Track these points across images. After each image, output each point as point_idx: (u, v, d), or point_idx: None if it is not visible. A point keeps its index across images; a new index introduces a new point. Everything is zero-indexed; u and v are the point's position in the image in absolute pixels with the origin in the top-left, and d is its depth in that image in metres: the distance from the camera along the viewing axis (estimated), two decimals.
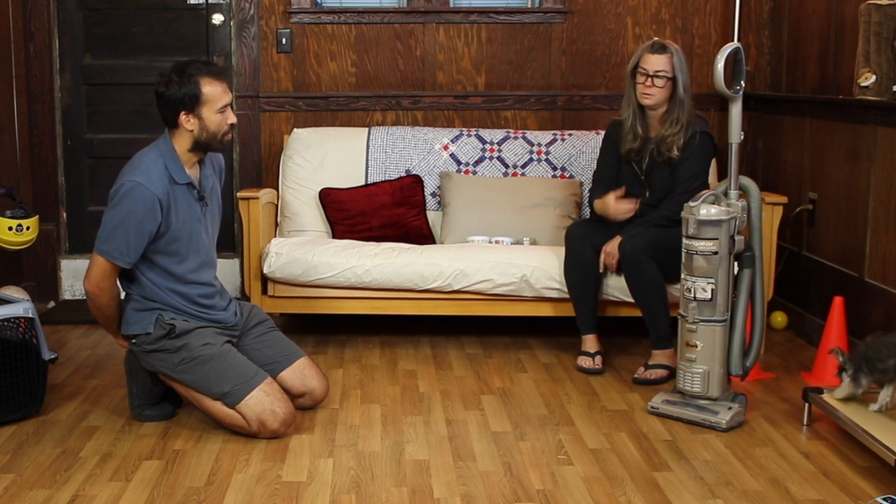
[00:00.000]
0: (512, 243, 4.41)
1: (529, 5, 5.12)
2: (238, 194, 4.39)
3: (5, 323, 3.34)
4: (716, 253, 3.36)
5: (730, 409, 3.39)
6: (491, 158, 4.75)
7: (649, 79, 3.89)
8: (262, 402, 3.22)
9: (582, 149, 4.74)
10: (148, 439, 3.28)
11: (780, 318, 4.57)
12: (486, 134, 4.81)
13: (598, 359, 4.02)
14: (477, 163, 4.74)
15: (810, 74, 4.50)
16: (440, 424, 3.41)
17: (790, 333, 4.54)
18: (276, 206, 4.72)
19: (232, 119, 3.31)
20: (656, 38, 3.99)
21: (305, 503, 2.82)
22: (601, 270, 4.02)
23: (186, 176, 3.29)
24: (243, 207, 4.31)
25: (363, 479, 2.96)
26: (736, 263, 3.47)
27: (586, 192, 4.66)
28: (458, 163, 4.74)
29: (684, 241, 3.42)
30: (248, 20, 4.97)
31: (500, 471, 3.02)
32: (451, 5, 5.06)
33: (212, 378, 3.23)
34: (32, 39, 4.92)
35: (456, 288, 4.18)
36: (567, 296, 4.09)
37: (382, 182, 4.68)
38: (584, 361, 4.02)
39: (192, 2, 5.02)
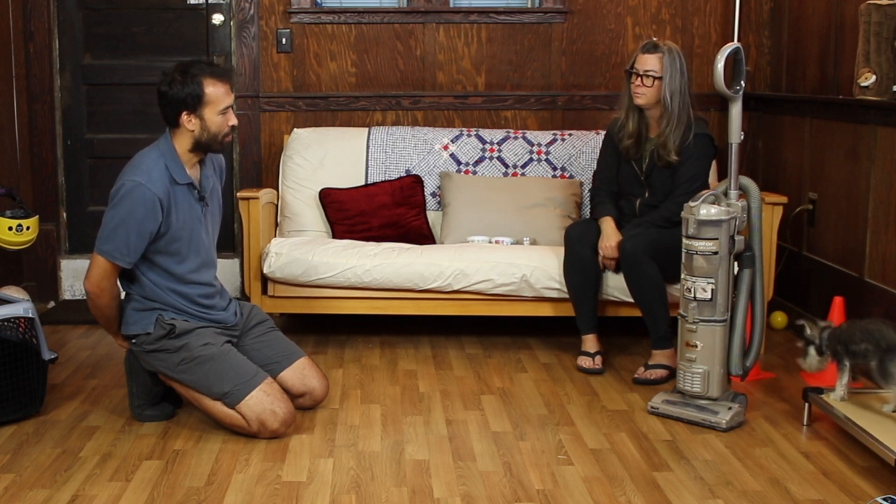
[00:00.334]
0: (512, 243, 4.41)
1: (529, 5, 5.12)
2: (238, 194, 4.39)
3: (5, 323, 3.34)
4: (716, 253, 3.36)
5: (730, 409, 3.39)
6: (491, 158, 4.75)
7: (639, 78, 3.90)
8: (262, 402, 3.22)
9: (582, 149, 4.74)
10: (148, 439, 3.28)
11: (780, 318, 4.57)
12: (486, 134, 4.81)
13: (598, 359, 4.02)
14: (477, 163, 4.74)
15: (810, 74, 4.50)
16: (440, 424, 3.42)
17: (790, 333, 4.54)
18: (276, 206, 4.72)
19: (233, 121, 3.32)
20: (653, 38, 3.99)
21: (305, 503, 2.82)
22: (601, 268, 4.02)
23: (187, 176, 3.29)
24: (243, 207, 4.31)
25: (363, 479, 2.96)
26: (736, 263, 3.47)
27: (586, 192, 4.66)
28: (458, 163, 4.74)
29: (684, 241, 3.42)
30: (248, 20, 4.97)
31: (500, 471, 3.02)
32: (451, 5, 5.06)
33: (212, 378, 3.24)
34: (32, 39, 4.92)
35: (456, 288, 4.18)
36: (567, 296, 4.09)
37: (382, 182, 4.68)
38: (584, 361, 4.02)
39: (192, 2, 5.02)
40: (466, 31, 5.03)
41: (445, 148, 4.76)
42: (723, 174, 3.94)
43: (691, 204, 3.39)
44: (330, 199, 4.60)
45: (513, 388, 3.80)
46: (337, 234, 4.56)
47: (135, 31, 5.03)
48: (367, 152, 4.74)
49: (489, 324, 4.62)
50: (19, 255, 4.92)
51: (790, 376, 3.94)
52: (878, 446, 2.94)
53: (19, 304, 3.43)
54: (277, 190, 4.75)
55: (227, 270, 5.02)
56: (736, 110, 3.45)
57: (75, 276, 5.04)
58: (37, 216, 4.19)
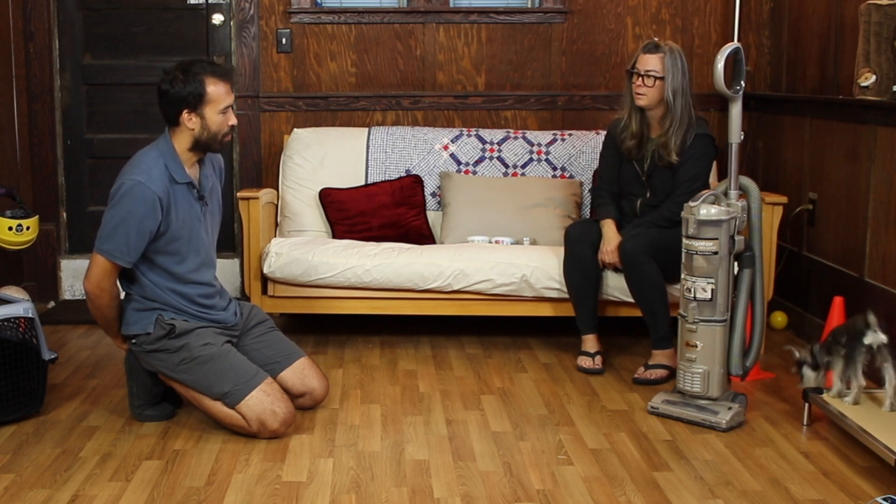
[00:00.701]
0: (512, 243, 4.41)
1: (529, 5, 5.12)
2: (238, 194, 4.39)
3: (5, 323, 3.34)
4: (716, 253, 3.36)
5: (730, 409, 3.39)
6: (491, 158, 4.75)
7: (640, 78, 3.89)
8: (262, 402, 3.22)
9: (582, 149, 4.74)
10: (148, 439, 3.28)
11: (780, 318, 4.57)
12: (486, 134, 4.81)
13: (598, 359, 4.02)
14: (477, 163, 4.74)
15: (810, 74, 4.50)
16: (440, 424, 3.42)
17: (790, 333, 4.54)
18: (276, 206, 4.72)
19: (233, 121, 3.32)
20: (654, 39, 3.99)
21: (305, 503, 2.82)
22: (601, 268, 4.02)
23: (186, 175, 3.29)
24: (243, 207, 4.31)
25: (363, 479, 2.96)
26: (736, 263, 3.47)
27: (586, 192, 4.66)
28: (458, 163, 4.74)
29: (684, 241, 3.42)
30: (248, 20, 4.97)
31: (500, 471, 3.03)
32: (451, 5, 5.06)
33: (212, 378, 3.23)
34: (32, 39, 4.92)
35: (456, 288, 4.18)
36: (567, 296, 4.09)
37: (382, 182, 4.68)
38: (584, 361, 4.02)
39: (192, 2, 5.02)
40: (466, 31, 5.03)
41: (445, 148, 4.76)
42: (723, 174, 3.94)
43: (691, 204, 3.39)
44: (330, 199, 4.60)
45: (513, 388, 3.80)
46: (337, 234, 4.56)
47: (135, 31, 5.03)
48: (367, 152, 4.74)
49: (489, 324, 4.62)
50: (19, 255, 4.92)
51: (790, 376, 3.93)
52: (878, 446, 2.94)
53: (19, 304, 3.43)
54: (277, 190, 4.75)
55: (227, 270, 5.02)
56: (736, 110, 3.45)
57: (75, 276, 5.04)
58: (37, 216, 4.19)
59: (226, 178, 3.72)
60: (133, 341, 3.34)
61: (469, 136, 4.79)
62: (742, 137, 3.49)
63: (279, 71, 5.02)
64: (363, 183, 4.70)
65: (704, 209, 3.36)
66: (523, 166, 4.74)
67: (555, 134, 4.82)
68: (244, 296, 4.59)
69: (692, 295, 3.40)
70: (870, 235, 3.92)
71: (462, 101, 5.06)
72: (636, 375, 3.88)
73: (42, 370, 3.44)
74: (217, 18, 5.03)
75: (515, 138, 4.79)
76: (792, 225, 4.56)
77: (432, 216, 4.68)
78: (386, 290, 4.21)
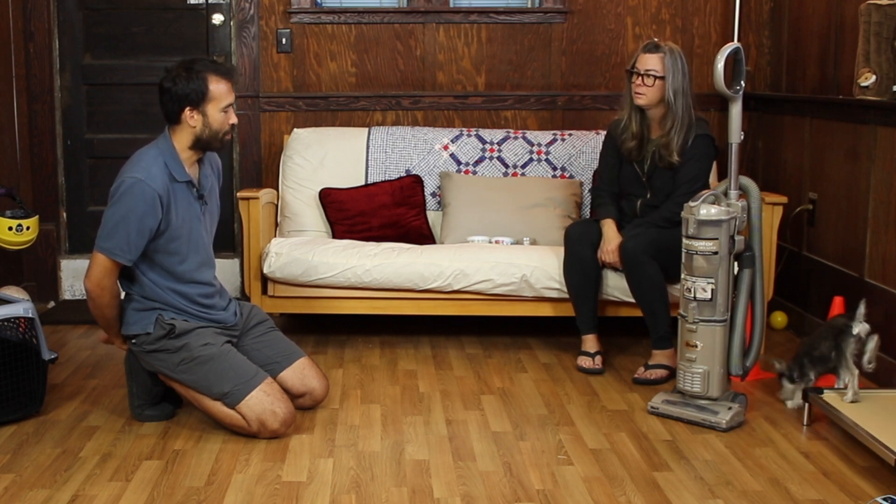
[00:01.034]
0: (512, 243, 4.41)
1: (529, 5, 5.12)
2: (238, 194, 4.39)
3: (5, 323, 3.34)
4: (716, 253, 3.36)
5: (730, 409, 3.39)
6: (491, 158, 4.75)
7: (640, 77, 3.89)
8: (262, 402, 3.22)
9: (582, 149, 4.74)
10: (148, 439, 3.28)
11: (780, 318, 4.57)
12: (486, 134, 4.81)
13: (598, 359, 4.02)
14: (477, 163, 4.74)
15: (810, 74, 4.50)
16: (440, 424, 3.42)
17: (790, 333, 4.54)
18: (276, 206, 4.72)
19: (233, 119, 3.33)
20: (654, 39, 3.99)
21: (305, 503, 2.82)
22: (601, 268, 4.03)
23: (186, 174, 3.29)
24: (243, 207, 4.31)
25: (363, 479, 2.96)
26: (736, 263, 3.47)
27: (586, 192, 4.66)
28: (458, 163, 4.74)
29: (684, 241, 3.42)
30: (248, 20, 4.97)
31: (500, 471, 3.03)
32: (451, 5, 5.06)
33: (212, 378, 3.23)
34: (32, 39, 4.92)
35: (456, 288, 4.18)
36: (567, 296, 4.09)
37: (382, 182, 4.68)
38: (584, 361, 4.02)
39: (192, 2, 5.02)
40: (466, 31, 5.03)
41: (445, 148, 4.76)
42: (723, 174, 3.94)
43: (691, 204, 3.39)
44: (330, 199, 4.60)
45: (513, 388, 3.80)
46: (337, 234, 4.56)
47: (135, 31, 5.03)
48: (367, 152, 4.74)
49: (489, 324, 4.62)
50: (19, 255, 4.92)
51: None
52: (878, 446, 2.94)
53: (19, 304, 3.43)
54: (277, 190, 4.75)
55: (227, 270, 5.02)
56: (736, 110, 3.45)
57: (75, 276, 5.04)
58: (37, 216, 4.19)
59: (226, 178, 3.73)
60: (133, 341, 3.34)
61: (469, 136, 4.79)
62: (742, 137, 3.49)
63: (279, 71, 5.02)
64: (363, 183, 4.70)
65: (704, 209, 3.36)
66: (523, 166, 4.74)
67: (555, 134, 4.82)
68: (244, 296, 4.59)
69: (692, 295, 3.40)
70: (870, 235, 3.92)
71: (462, 101, 5.06)
72: (636, 375, 3.88)
73: (42, 370, 3.44)
74: (217, 18, 5.03)
75: (515, 138, 4.79)
76: (792, 225, 4.56)
77: (432, 216, 4.68)
78: (386, 290, 4.21)
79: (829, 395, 3.31)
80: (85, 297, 3.33)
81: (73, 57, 5.03)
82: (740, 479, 2.98)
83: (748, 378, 3.78)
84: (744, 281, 3.46)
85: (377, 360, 4.15)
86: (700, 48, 5.05)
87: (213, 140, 3.31)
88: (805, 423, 3.40)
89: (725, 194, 3.47)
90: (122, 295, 3.37)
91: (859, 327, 3.36)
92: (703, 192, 3.45)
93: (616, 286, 4.08)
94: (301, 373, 3.47)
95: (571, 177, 4.72)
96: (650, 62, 3.88)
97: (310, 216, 4.64)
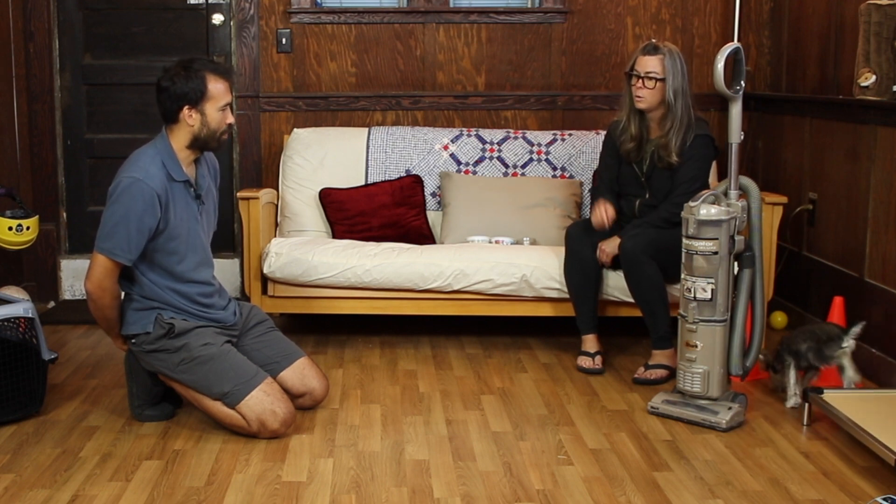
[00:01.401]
0: (512, 243, 4.41)
1: (529, 5, 5.12)
2: (238, 194, 4.39)
3: (5, 323, 3.34)
4: (716, 253, 3.36)
5: (730, 409, 3.39)
6: (491, 158, 4.75)
7: (640, 80, 3.89)
8: (262, 402, 3.22)
9: (582, 149, 4.74)
10: (148, 439, 3.28)
11: (780, 318, 4.57)
12: (486, 134, 4.81)
13: (598, 359, 4.02)
14: (477, 163, 4.74)
15: (810, 74, 4.50)
16: (440, 424, 3.42)
17: (790, 333, 4.53)
18: (276, 206, 4.72)
19: (230, 119, 3.33)
20: (652, 40, 3.99)
21: (305, 503, 2.82)
22: (601, 267, 4.03)
23: (184, 174, 3.29)
24: (243, 207, 4.31)
25: (363, 479, 2.96)
26: (736, 263, 3.47)
27: (586, 192, 4.66)
28: (458, 163, 4.74)
29: (684, 241, 3.42)
30: (248, 20, 4.97)
31: (500, 471, 3.03)
32: (451, 5, 5.06)
33: (212, 378, 3.24)
34: (32, 39, 4.92)
35: (456, 288, 4.18)
36: (567, 296, 4.09)
37: (382, 182, 4.68)
38: (584, 361, 4.02)
39: (192, 2, 5.02)
40: (466, 31, 5.03)
41: (445, 148, 4.76)
42: (723, 174, 3.94)
43: (691, 204, 3.39)
44: (330, 199, 4.60)
45: (513, 388, 3.80)
46: (337, 234, 4.56)
47: (135, 31, 5.03)
48: (367, 152, 4.74)
49: (489, 324, 4.62)
50: (19, 255, 4.92)
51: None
52: (878, 446, 2.94)
53: (19, 304, 3.43)
54: (277, 190, 4.75)
55: (227, 270, 5.02)
56: (736, 110, 3.45)
57: (75, 276, 5.04)
58: (37, 216, 4.19)
59: (226, 178, 3.73)
60: (133, 341, 3.34)
61: (469, 136, 4.79)
62: (742, 137, 3.49)
63: (279, 71, 5.02)
64: (363, 183, 4.70)
65: (704, 209, 3.36)
66: (523, 166, 4.74)
67: (555, 134, 4.82)
68: (244, 296, 4.59)
69: (692, 295, 3.40)
70: (870, 235, 3.92)
71: (462, 101, 5.06)
72: (636, 375, 3.88)
73: (42, 370, 3.44)
74: (217, 18, 5.04)
75: (515, 138, 4.79)
76: (792, 225, 4.56)
77: (432, 216, 4.68)
78: (386, 290, 4.21)
79: (829, 395, 3.31)
80: (85, 298, 3.33)
81: (73, 57, 5.03)
82: (740, 479, 2.98)
83: (748, 378, 3.78)
84: (744, 281, 3.46)
85: (377, 360, 4.15)
86: (700, 48, 5.05)
87: (211, 139, 3.31)
88: (805, 423, 3.40)
89: (725, 194, 3.47)
90: (122, 295, 3.37)
91: (849, 343, 3.46)
92: (703, 192, 3.45)
93: (616, 286, 4.08)
94: (301, 373, 3.47)
95: (571, 177, 4.72)
96: (650, 64, 3.87)
97: (310, 216, 4.64)
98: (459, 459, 3.11)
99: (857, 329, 3.46)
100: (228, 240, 5.11)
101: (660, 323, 3.87)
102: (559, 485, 2.93)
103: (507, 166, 4.74)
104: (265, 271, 4.22)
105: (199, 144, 3.31)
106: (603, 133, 4.34)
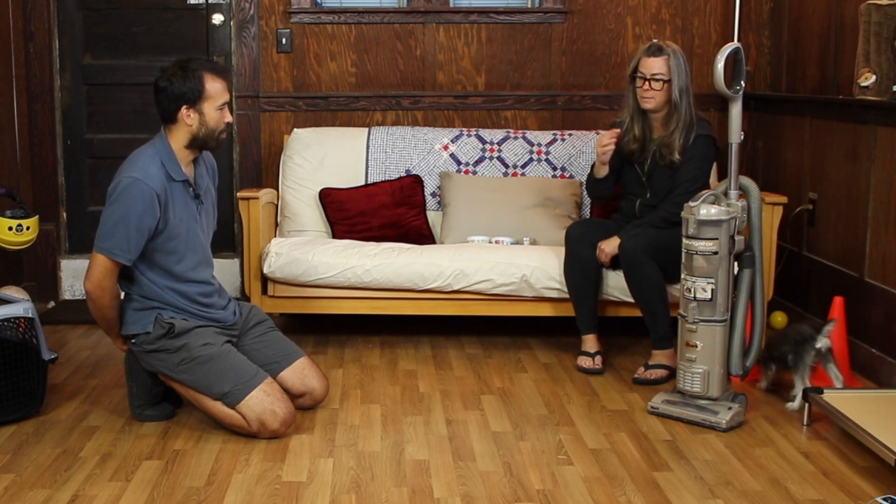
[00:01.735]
0: (512, 243, 4.41)
1: (529, 5, 5.12)
2: (238, 194, 4.39)
3: (5, 323, 3.34)
4: (716, 253, 3.36)
5: (730, 409, 3.39)
6: (491, 158, 4.75)
7: (647, 82, 3.89)
8: (263, 402, 3.22)
9: (582, 149, 4.74)
10: (148, 439, 3.28)
11: (780, 318, 4.57)
12: (486, 134, 4.81)
13: (598, 359, 4.02)
14: (477, 163, 4.74)
15: (810, 74, 4.50)
16: (440, 424, 3.42)
17: None
18: (276, 206, 4.72)
19: (229, 118, 3.33)
20: (655, 41, 3.98)
21: (305, 503, 2.82)
22: (601, 266, 4.03)
23: (183, 173, 3.30)
24: (243, 207, 4.30)
25: (363, 479, 2.96)
26: (736, 263, 3.47)
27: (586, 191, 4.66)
28: (458, 163, 4.74)
29: (684, 241, 3.42)
30: (248, 20, 4.97)
31: (500, 471, 3.03)
32: (451, 5, 5.06)
33: (212, 378, 3.24)
34: (32, 39, 4.92)
35: (456, 288, 4.18)
36: (567, 296, 4.09)
37: (382, 182, 4.68)
38: (584, 361, 4.02)
39: (192, 2, 5.02)
40: (466, 31, 5.03)
41: (445, 148, 4.76)
42: (723, 174, 3.94)
43: (691, 204, 3.39)
44: (330, 199, 4.60)
45: (513, 388, 3.80)
46: (337, 234, 4.56)
47: (135, 31, 5.03)
48: (367, 152, 4.74)
49: (489, 324, 4.62)
50: (19, 255, 4.92)
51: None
52: (878, 446, 2.94)
53: (19, 304, 3.43)
54: (277, 190, 4.75)
55: (227, 270, 5.02)
56: (736, 110, 3.45)
57: (75, 276, 5.04)
58: (37, 216, 4.19)
59: (226, 178, 3.73)
60: (133, 341, 3.35)
61: (469, 136, 4.79)
62: (742, 137, 3.50)
63: (279, 71, 5.02)
64: (363, 183, 4.70)
65: (704, 209, 3.36)
66: (523, 166, 4.74)
67: (555, 134, 4.82)
68: (244, 296, 4.59)
69: (692, 295, 3.40)
70: (870, 235, 3.92)
71: (462, 101, 5.06)
72: (636, 375, 3.88)
73: (42, 370, 3.44)
74: (217, 18, 5.04)
75: (515, 138, 4.79)
76: (792, 225, 4.56)
77: (432, 216, 4.68)
78: (386, 290, 4.21)
79: (829, 395, 3.31)
80: (85, 298, 3.33)
81: (73, 57, 5.03)
82: (740, 479, 2.98)
83: (748, 378, 3.78)
84: (744, 281, 3.46)
85: (377, 360, 4.15)
86: (700, 48, 5.05)
87: (210, 138, 3.31)
88: (805, 423, 3.40)
89: (725, 194, 3.47)
90: (122, 295, 3.37)
91: (822, 342, 3.50)
92: (703, 192, 3.45)
93: (616, 286, 4.08)
94: (301, 373, 3.47)
95: (571, 177, 4.72)
96: (655, 66, 3.87)
97: (310, 216, 4.64)
98: (459, 459, 3.11)
99: (829, 328, 3.50)
100: (228, 240, 5.11)
101: (660, 323, 3.87)
102: (559, 485, 2.93)
103: (507, 166, 4.74)
104: (265, 271, 4.22)
105: (198, 144, 3.32)
106: (603, 133, 4.33)
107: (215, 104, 3.28)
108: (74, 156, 5.09)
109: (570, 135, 4.81)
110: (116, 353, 4.06)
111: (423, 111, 5.06)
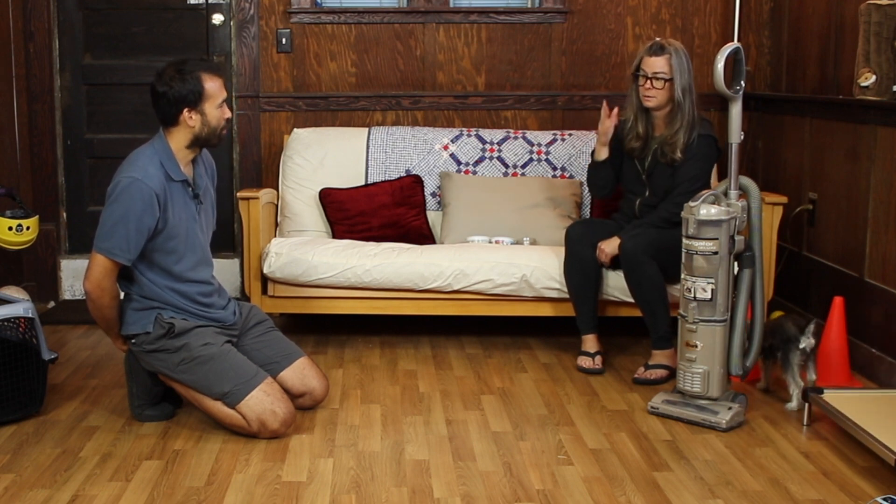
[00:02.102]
0: (512, 243, 4.41)
1: (529, 5, 5.12)
2: (238, 194, 4.39)
3: (5, 323, 3.34)
4: (716, 253, 3.36)
5: (730, 409, 3.39)
6: (491, 158, 4.75)
7: (648, 81, 3.89)
8: (263, 402, 3.22)
9: (582, 149, 4.74)
10: (148, 439, 3.28)
11: None
12: (486, 134, 4.81)
13: (598, 359, 4.02)
14: (477, 163, 4.74)
15: (810, 74, 4.50)
16: (440, 424, 3.42)
17: None
18: (276, 206, 4.72)
19: (228, 114, 3.34)
20: (657, 39, 3.99)
21: (305, 503, 2.82)
22: (600, 267, 4.03)
23: (182, 173, 3.30)
24: (243, 207, 4.31)
25: (363, 479, 2.96)
26: (736, 263, 3.47)
27: (586, 191, 4.66)
28: (458, 163, 4.74)
29: (684, 241, 3.42)
30: (248, 20, 4.97)
31: (500, 471, 3.03)
32: (451, 5, 5.06)
33: (212, 378, 3.24)
34: (32, 39, 4.92)
35: (456, 288, 4.18)
36: (567, 296, 4.09)
37: (382, 182, 4.68)
38: (584, 361, 4.02)
39: (192, 2, 5.02)
40: (466, 31, 5.03)
41: (445, 148, 4.76)
42: (723, 174, 3.94)
43: (691, 204, 3.39)
44: (330, 199, 4.60)
45: (513, 388, 3.80)
46: (337, 234, 4.56)
47: (135, 31, 5.03)
48: (367, 152, 4.74)
49: (489, 324, 4.62)
50: (19, 255, 4.92)
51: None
52: (878, 446, 2.94)
53: (19, 304, 3.43)
54: (277, 190, 4.75)
55: (227, 270, 5.02)
56: (736, 110, 3.45)
57: (75, 276, 5.04)
58: (37, 216, 4.19)
59: (226, 178, 3.73)
60: (133, 341, 3.35)
61: (469, 136, 4.79)
62: (742, 137, 3.50)
63: (279, 71, 5.02)
64: (363, 183, 4.70)
65: (704, 209, 3.36)
66: (523, 166, 4.74)
67: (555, 134, 4.82)
68: (244, 296, 4.59)
69: (692, 295, 3.40)
70: (870, 235, 3.92)
71: (462, 101, 5.06)
72: (636, 375, 3.88)
73: (42, 370, 3.44)
74: (217, 18, 5.04)
75: (515, 138, 4.79)
76: (792, 225, 4.56)
77: (432, 216, 4.68)
78: (386, 290, 4.21)
79: (829, 395, 3.31)
80: (85, 298, 3.33)
81: (73, 57, 5.03)
82: (740, 479, 2.98)
83: (748, 378, 3.78)
84: (744, 281, 3.46)
85: (377, 360, 4.15)
86: (700, 48, 5.05)
87: (212, 137, 3.32)
88: (805, 423, 3.40)
89: (725, 194, 3.47)
90: (122, 295, 3.37)
91: (806, 342, 3.51)
92: (703, 192, 3.45)
93: (616, 286, 4.08)
94: (301, 373, 3.47)
95: (571, 177, 4.72)
96: (657, 65, 3.88)
97: (310, 216, 4.64)
98: (459, 459, 3.11)
99: (812, 327, 3.52)
100: (228, 240, 5.11)
101: (660, 323, 3.87)
102: (559, 485, 2.93)
103: (507, 166, 4.74)
104: (265, 271, 4.22)
105: (199, 143, 3.32)
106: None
107: (215, 103, 3.28)
108: (74, 156, 5.09)
109: (570, 135, 4.81)
110: (116, 353, 4.06)
111: (423, 111, 5.06)
